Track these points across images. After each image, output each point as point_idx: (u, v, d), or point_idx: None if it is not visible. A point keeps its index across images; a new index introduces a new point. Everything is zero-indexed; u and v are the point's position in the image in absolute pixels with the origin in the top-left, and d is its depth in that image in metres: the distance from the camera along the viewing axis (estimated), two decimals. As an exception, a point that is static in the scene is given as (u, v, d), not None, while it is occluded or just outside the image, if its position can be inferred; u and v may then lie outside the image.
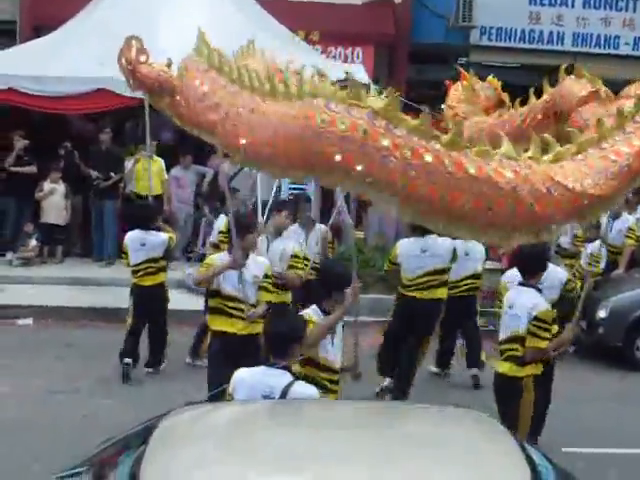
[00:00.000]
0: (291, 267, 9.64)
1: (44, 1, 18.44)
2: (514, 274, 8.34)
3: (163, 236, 10.40)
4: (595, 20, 21.21)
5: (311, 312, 6.97)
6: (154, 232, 10.39)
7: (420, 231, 9.48)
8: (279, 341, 5.88)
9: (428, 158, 5.22)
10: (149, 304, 10.46)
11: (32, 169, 15.13)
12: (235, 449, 4.38)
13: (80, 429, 8.35)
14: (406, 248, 9.89)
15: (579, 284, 9.43)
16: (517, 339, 7.66)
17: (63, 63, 14.40)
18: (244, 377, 5.80)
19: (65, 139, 15.74)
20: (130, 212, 12.76)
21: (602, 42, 21.26)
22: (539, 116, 7.42)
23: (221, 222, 10.86)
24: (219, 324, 8.34)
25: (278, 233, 9.97)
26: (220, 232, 10.74)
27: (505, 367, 7.78)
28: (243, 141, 5.96)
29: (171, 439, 4.56)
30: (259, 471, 4.10)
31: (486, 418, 5.21)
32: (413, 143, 5.25)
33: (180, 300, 13.34)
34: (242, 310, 8.19)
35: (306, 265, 9.88)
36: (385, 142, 5.24)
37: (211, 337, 8.51)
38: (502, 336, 7.85)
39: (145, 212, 10.91)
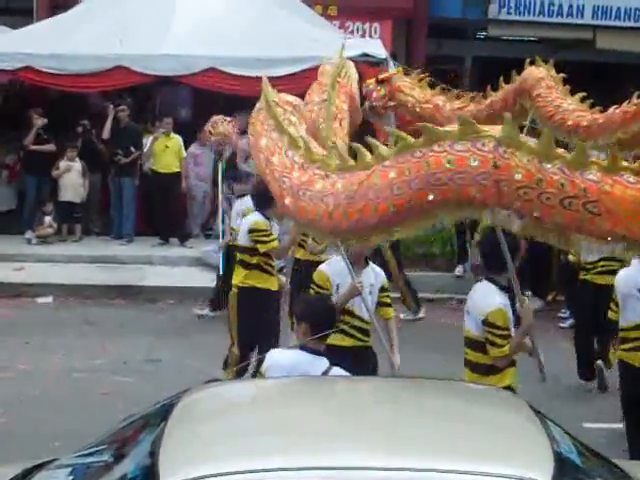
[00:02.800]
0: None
1: (60, -21, 18.39)
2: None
3: None
4: (615, -8, 20.97)
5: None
6: None
7: None
8: (318, 322, 5.72)
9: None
10: None
11: (51, 147, 15.12)
12: (254, 426, 4.38)
13: (100, 407, 8.35)
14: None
15: None
16: None
17: (80, 41, 14.37)
18: (278, 360, 5.67)
19: (83, 117, 15.73)
20: None
21: (622, 15, 20.99)
22: (511, 100, 8.52)
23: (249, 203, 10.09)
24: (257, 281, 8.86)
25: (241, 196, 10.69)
26: None
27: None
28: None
29: (190, 416, 4.56)
30: (278, 449, 4.08)
31: (511, 396, 5.21)
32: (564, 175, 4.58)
33: (197, 277, 13.37)
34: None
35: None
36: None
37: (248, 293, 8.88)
38: (625, 324, 6.92)
39: None
